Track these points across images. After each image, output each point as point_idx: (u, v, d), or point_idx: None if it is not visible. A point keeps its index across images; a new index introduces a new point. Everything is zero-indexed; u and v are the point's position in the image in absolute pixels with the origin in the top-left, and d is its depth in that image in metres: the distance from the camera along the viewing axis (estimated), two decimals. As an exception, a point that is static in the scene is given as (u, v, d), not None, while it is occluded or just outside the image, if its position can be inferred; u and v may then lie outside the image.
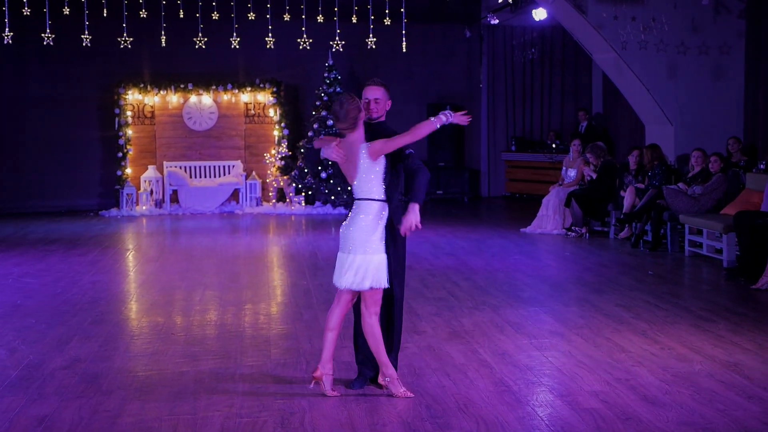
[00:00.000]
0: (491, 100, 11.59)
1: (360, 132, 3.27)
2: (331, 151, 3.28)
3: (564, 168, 8.47)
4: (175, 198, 10.23)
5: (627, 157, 7.78)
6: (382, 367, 3.26)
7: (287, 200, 10.28)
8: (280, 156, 10.36)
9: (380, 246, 3.22)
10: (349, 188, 9.64)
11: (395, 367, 3.38)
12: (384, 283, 3.20)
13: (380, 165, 3.21)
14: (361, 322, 3.27)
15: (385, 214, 3.24)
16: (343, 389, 3.37)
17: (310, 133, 10.18)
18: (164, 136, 10.46)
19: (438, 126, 3.19)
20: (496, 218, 9.52)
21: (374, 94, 3.37)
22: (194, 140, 10.51)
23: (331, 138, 3.39)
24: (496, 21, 10.20)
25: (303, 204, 10.07)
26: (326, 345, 3.29)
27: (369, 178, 3.20)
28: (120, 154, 10.15)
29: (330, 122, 9.96)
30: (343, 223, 3.29)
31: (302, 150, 10.15)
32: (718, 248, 6.22)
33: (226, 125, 10.58)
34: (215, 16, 7.93)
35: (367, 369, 3.42)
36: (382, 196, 3.24)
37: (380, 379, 3.31)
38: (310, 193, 10.10)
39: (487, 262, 6.41)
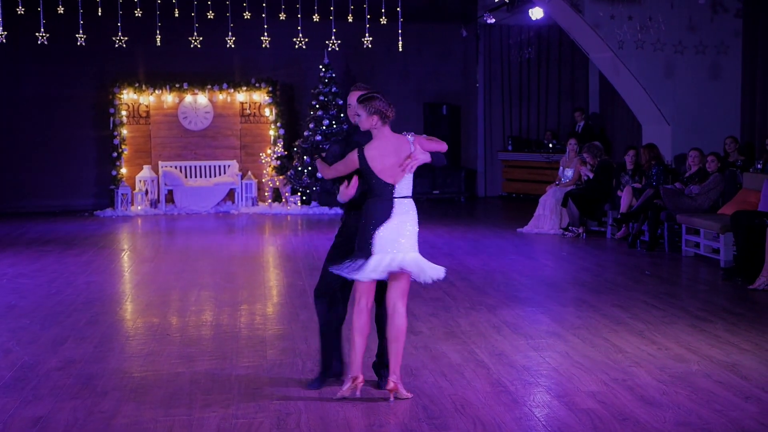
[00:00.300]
0: (488, 99, 11.56)
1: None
2: (351, 192, 3.19)
3: (561, 168, 8.46)
4: (170, 198, 10.19)
5: (623, 157, 7.78)
6: (398, 368, 3.22)
7: (283, 200, 10.25)
8: (275, 156, 10.33)
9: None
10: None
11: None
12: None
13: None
14: (399, 320, 3.22)
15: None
16: (337, 392, 3.35)
17: (306, 133, 10.16)
18: (159, 135, 10.41)
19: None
20: (492, 218, 9.50)
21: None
22: (189, 140, 10.46)
23: (349, 161, 3.25)
24: (493, 20, 10.18)
25: (299, 204, 10.04)
26: (360, 350, 3.23)
27: (410, 176, 3.22)
28: (115, 154, 10.10)
29: (326, 122, 9.94)
30: (386, 224, 3.16)
31: (295, 149, 10.12)
32: (716, 248, 6.20)
33: (221, 125, 10.54)
34: (210, 15, 7.89)
35: (336, 363, 3.42)
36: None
37: (391, 382, 3.21)
38: (307, 192, 10.07)
39: (483, 262, 6.39)
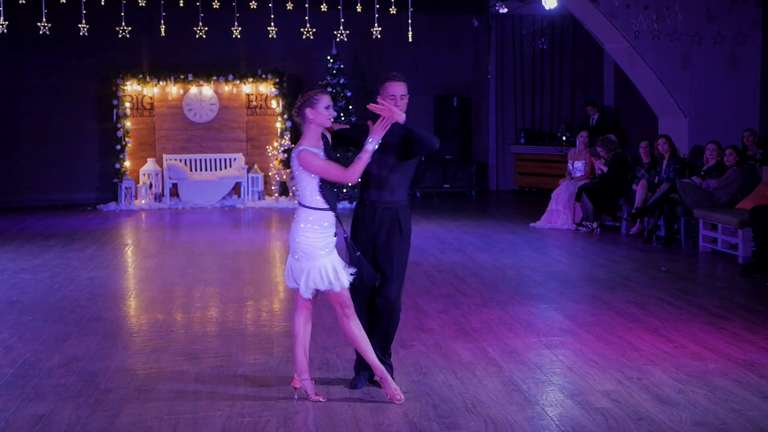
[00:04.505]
0: (499, 91, 11.43)
1: (306, 131, 3.15)
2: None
3: (570, 161, 8.31)
4: (174, 192, 10.13)
5: (638, 150, 7.62)
6: (372, 367, 3.19)
7: (290, 194, 10.17)
8: (282, 149, 10.24)
9: (324, 251, 3.11)
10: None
11: (390, 367, 3.31)
12: (336, 286, 3.09)
13: (314, 177, 3.10)
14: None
15: (327, 224, 3.12)
16: (346, 391, 3.29)
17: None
18: (164, 128, 10.33)
19: (368, 158, 3.09)
20: (504, 213, 9.42)
21: (400, 90, 3.23)
22: (194, 132, 10.39)
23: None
24: (505, 10, 10.02)
25: (306, 197, 9.93)
26: (295, 352, 3.22)
27: (302, 184, 3.12)
28: (118, 147, 10.03)
29: (334, 114, 9.82)
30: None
31: None
32: (733, 244, 6.12)
33: (227, 117, 10.45)
34: (216, 4, 7.77)
35: (367, 368, 3.34)
36: (319, 205, 3.11)
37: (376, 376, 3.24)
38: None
39: (495, 258, 6.31)
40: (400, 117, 3.12)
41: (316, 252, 3.09)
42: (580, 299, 4.90)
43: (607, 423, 2.89)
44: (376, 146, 3.08)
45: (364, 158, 3.07)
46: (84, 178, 10.35)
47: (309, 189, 3.10)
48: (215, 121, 10.42)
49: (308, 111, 3.13)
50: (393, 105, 3.17)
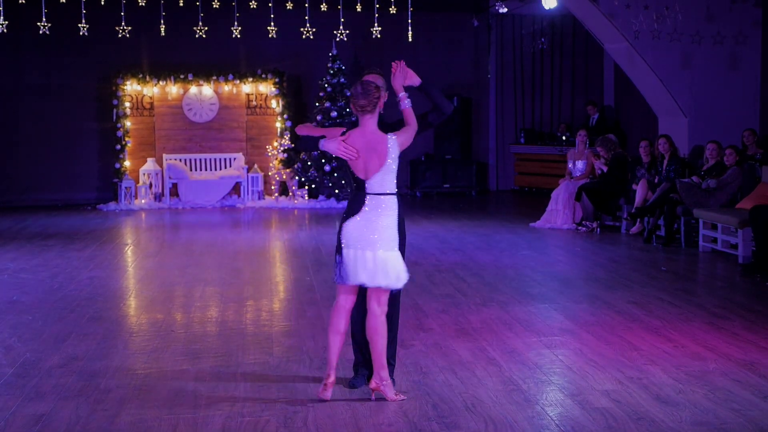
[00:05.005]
0: (499, 91, 11.42)
1: (371, 121, 3.16)
2: (336, 145, 3.11)
3: (570, 161, 8.31)
4: (174, 191, 10.13)
5: (638, 150, 7.62)
6: (380, 369, 3.15)
7: (290, 194, 10.17)
8: (282, 148, 10.23)
9: (397, 242, 3.15)
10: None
11: (393, 367, 3.29)
12: (405, 278, 3.12)
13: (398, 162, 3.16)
14: (372, 320, 3.14)
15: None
16: (345, 391, 3.29)
17: (312, 124, 10.04)
18: (164, 127, 10.33)
19: (410, 105, 3.19)
20: (504, 213, 9.42)
21: (376, 82, 3.24)
22: (194, 132, 10.38)
23: (335, 130, 3.23)
24: (505, 9, 10.03)
25: (306, 198, 9.95)
26: (335, 350, 3.17)
27: (392, 170, 3.12)
28: (118, 147, 10.03)
29: (334, 114, 9.83)
30: (354, 218, 3.10)
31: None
32: (734, 243, 6.10)
33: (227, 117, 10.45)
34: (216, 4, 7.77)
35: (366, 367, 3.33)
36: (396, 189, 3.17)
37: (373, 383, 3.17)
38: (313, 186, 9.98)
39: (495, 258, 6.30)
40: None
41: (396, 240, 3.13)
42: (580, 299, 4.89)
43: (607, 423, 2.89)
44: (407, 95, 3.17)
45: (408, 108, 3.18)
46: (84, 178, 10.34)
47: (395, 174, 3.14)
48: (215, 120, 10.41)
49: (382, 102, 3.20)
50: None
